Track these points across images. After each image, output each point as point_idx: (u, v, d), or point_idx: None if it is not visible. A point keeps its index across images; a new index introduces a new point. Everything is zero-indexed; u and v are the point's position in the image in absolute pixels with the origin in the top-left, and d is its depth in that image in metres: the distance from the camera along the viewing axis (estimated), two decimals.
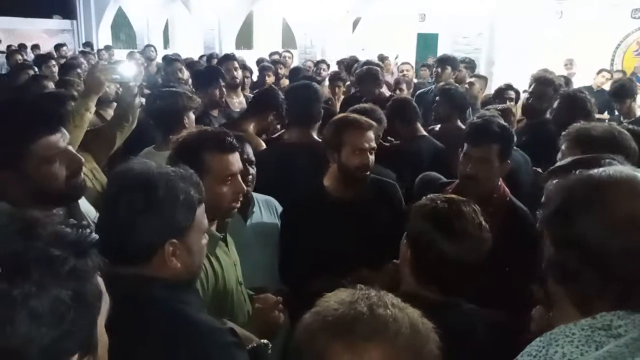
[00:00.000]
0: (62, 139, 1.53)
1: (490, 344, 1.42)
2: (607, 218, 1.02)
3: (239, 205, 1.85)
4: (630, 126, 2.45)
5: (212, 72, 4.40)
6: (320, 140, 2.92)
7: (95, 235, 0.80)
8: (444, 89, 4.06)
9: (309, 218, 2.29)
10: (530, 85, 4.00)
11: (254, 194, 2.35)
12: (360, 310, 0.90)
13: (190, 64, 7.09)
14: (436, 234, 1.46)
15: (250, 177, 2.16)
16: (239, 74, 4.99)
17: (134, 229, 1.21)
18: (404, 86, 5.66)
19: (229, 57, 5.34)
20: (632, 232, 1.00)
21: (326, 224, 2.26)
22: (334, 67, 7.40)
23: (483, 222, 1.51)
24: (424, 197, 1.59)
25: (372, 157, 2.30)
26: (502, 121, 2.48)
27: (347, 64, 6.94)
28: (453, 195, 1.62)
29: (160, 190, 1.22)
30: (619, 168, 1.11)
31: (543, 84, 3.76)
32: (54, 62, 6.53)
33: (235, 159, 1.79)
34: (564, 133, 2.18)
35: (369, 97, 4.42)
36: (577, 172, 1.14)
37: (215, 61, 8.00)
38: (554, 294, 1.14)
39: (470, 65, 6.23)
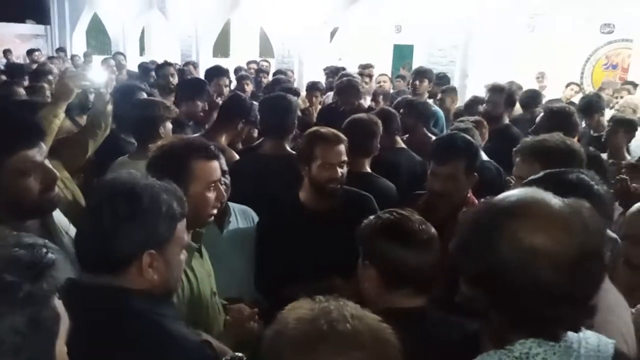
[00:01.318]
0: (39, 153, 1.53)
1: (466, 348, 1.46)
2: (509, 251, 0.95)
3: (216, 212, 1.86)
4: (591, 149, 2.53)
5: (197, 85, 4.28)
6: (291, 151, 2.96)
7: (51, 256, 0.77)
8: (407, 100, 4.32)
9: (285, 229, 2.31)
10: (486, 95, 4.32)
11: (230, 204, 2.36)
12: (320, 328, 0.90)
13: (179, 71, 7.02)
14: (387, 243, 1.53)
15: (224, 186, 2.18)
16: (226, 91, 4.75)
17: (114, 237, 1.20)
18: (380, 98, 5.71)
19: (222, 72, 4.99)
20: (534, 265, 0.93)
21: (301, 235, 2.28)
22: (310, 77, 7.42)
23: (423, 220, 1.59)
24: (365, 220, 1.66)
25: (342, 171, 2.32)
26: (467, 135, 2.54)
27: (332, 71, 7.06)
28: (392, 209, 1.68)
29: (144, 200, 1.23)
30: (525, 194, 1.03)
31: (494, 91, 4.08)
32: (26, 76, 6.25)
33: (218, 166, 1.83)
34: (517, 147, 2.17)
35: (348, 108, 4.45)
36: (483, 200, 1.09)
37: (191, 67, 7.97)
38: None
39: (442, 82, 6.44)
